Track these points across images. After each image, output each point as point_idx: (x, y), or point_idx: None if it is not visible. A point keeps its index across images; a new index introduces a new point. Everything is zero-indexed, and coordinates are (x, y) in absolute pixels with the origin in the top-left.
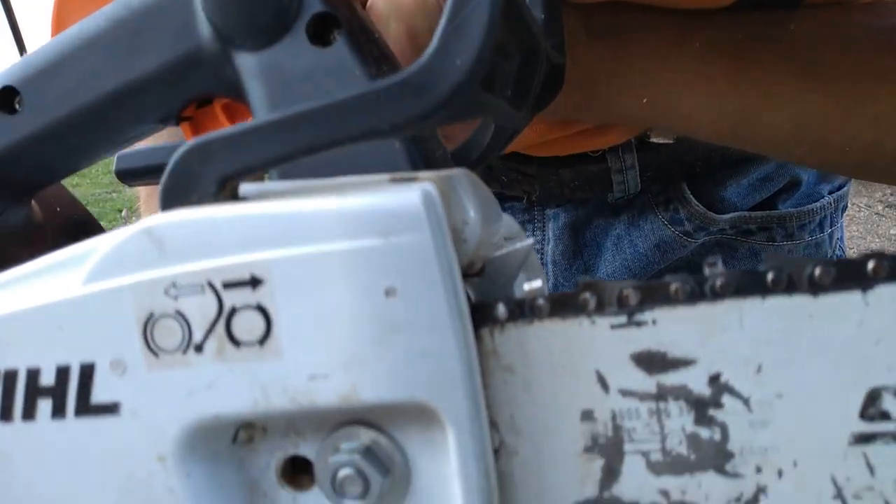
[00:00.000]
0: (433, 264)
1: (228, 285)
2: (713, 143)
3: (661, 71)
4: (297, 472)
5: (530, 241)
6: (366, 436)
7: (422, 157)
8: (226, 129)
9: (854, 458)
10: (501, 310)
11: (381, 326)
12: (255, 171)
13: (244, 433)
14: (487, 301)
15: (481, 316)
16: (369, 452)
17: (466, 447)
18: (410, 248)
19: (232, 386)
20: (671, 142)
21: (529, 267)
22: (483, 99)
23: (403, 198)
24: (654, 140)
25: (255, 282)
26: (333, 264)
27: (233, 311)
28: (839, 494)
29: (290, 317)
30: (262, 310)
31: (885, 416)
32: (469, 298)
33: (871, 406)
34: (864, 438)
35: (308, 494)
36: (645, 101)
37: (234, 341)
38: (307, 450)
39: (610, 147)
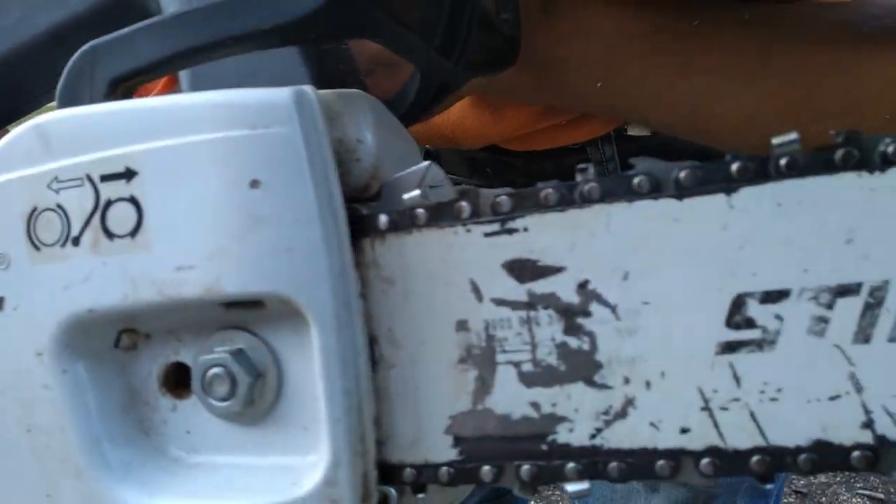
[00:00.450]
0: (301, 158)
1: (105, 178)
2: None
3: (615, 55)
4: (180, 382)
5: (427, 163)
6: (240, 339)
7: (327, 78)
8: (117, 32)
9: (720, 368)
10: (382, 220)
11: (245, 218)
12: (146, 74)
13: (127, 338)
14: (368, 212)
15: (362, 226)
16: (240, 354)
17: (330, 346)
18: (277, 141)
19: (105, 279)
20: (648, 134)
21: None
22: (383, 22)
23: (275, 94)
24: (631, 133)
25: (129, 174)
26: (201, 155)
27: (108, 204)
28: (706, 406)
29: (160, 208)
30: (134, 202)
31: (750, 323)
32: (358, 213)
33: (737, 313)
34: (729, 347)
35: (187, 402)
36: (599, 85)
37: (109, 234)
38: (187, 356)
39: (589, 139)
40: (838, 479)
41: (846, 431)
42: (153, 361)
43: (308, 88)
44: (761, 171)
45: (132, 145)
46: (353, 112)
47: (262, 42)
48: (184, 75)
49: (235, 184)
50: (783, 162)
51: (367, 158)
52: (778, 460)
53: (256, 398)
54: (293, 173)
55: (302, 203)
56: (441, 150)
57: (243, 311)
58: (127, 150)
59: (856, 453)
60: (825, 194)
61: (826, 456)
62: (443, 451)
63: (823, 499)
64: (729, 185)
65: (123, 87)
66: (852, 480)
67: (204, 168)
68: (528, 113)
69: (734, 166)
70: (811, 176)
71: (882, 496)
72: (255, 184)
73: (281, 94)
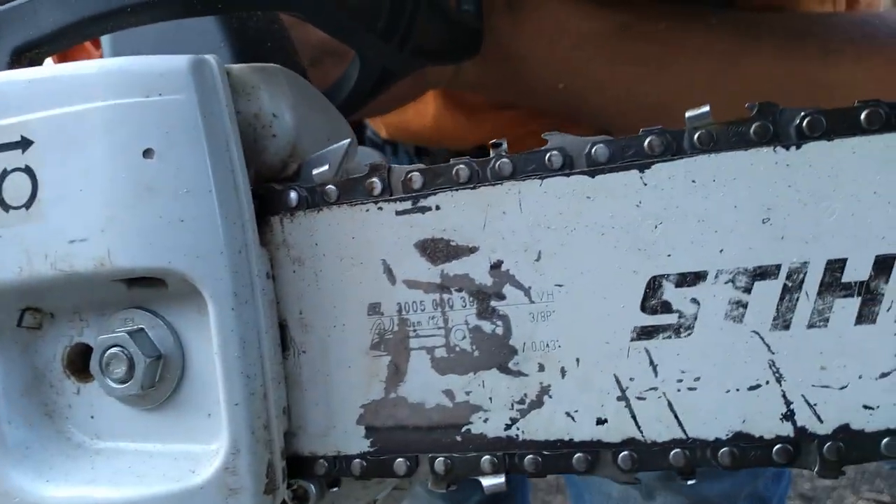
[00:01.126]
0: (196, 126)
1: (1, 147)
2: None
3: (579, 56)
4: (85, 365)
5: (346, 141)
6: (141, 319)
7: (251, 57)
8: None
9: (636, 354)
10: (292, 196)
11: (137, 188)
12: (50, 43)
13: (31, 317)
14: (278, 188)
15: (272, 204)
16: (139, 333)
17: (228, 327)
18: (172, 108)
19: (1, 252)
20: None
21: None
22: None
23: (172, 60)
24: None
25: (24, 143)
26: (95, 123)
27: (4, 174)
28: (623, 395)
29: (55, 178)
30: (29, 172)
31: (666, 307)
32: (270, 190)
33: (652, 297)
34: (645, 333)
35: (91, 385)
36: (561, 86)
37: (4, 205)
38: (90, 337)
39: None
40: (843, 482)
41: (766, 423)
42: (57, 342)
43: (210, 57)
44: (675, 145)
45: (28, 114)
46: (270, 86)
47: (168, 9)
48: (105, 43)
49: (128, 153)
50: (697, 136)
51: (284, 135)
52: (698, 454)
53: (157, 381)
54: (188, 141)
55: (197, 173)
56: (430, 149)
57: (145, 290)
58: (22, 118)
59: (777, 447)
60: (740, 170)
61: (746, 450)
62: (355, 442)
63: (829, 502)
64: (643, 160)
65: (27, 57)
66: (857, 483)
67: (97, 136)
68: (508, 118)
69: (647, 141)
70: (725, 151)
71: (888, 499)
72: (148, 153)
73: (177, 61)
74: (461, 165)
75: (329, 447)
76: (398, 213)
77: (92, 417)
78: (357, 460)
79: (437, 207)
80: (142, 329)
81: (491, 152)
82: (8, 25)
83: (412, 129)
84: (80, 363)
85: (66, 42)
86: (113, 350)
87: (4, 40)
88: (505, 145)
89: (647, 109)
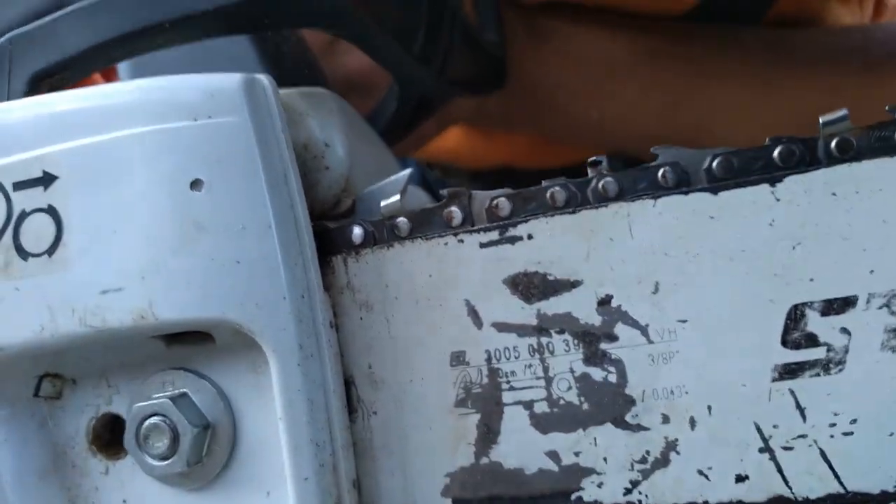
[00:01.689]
0: (252, 152)
1: (19, 185)
2: None
3: (610, 82)
4: (114, 439)
5: (408, 171)
6: (184, 382)
7: (285, 82)
8: (38, 21)
9: (780, 397)
10: (356, 233)
11: (183, 227)
12: (72, 68)
13: (50, 385)
14: (337, 224)
15: (332, 242)
16: (183, 399)
17: (293, 386)
18: (223, 132)
19: (17, 308)
20: None
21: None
22: (350, 13)
23: (222, 80)
24: None
25: (47, 179)
26: (133, 152)
27: (22, 217)
28: (766, 446)
29: (83, 219)
30: (53, 212)
31: (811, 340)
32: (325, 227)
33: (795, 329)
34: (788, 371)
35: (122, 463)
36: (593, 113)
37: (23, 253)
38: (121, 405)
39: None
40: None
41: None
42: (81, 413)
43: (263, 76)
44: (809, 155)
45: (51, 145)
46: (320, 113)
47: (201, 27)
48: (123, 72)
49: (172, 185)
50: (834, 144)
51: (337, 166)
52: None
53: (205, 455)
54: (243, 171)
55: (254, 206)
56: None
57: (188, 348)
58: (45, 150)
59: None
60: (887, 179)
61: None
62: None
63: None
64: (773, 173)
65: (47, 83)
66: None
67: (135, 168)
68: (523, 139)
69: (777, 151)
70: (868, 159)
71: None
72: (196, 184)
73: (228, 80)
74: (556, 188)
75: None
76: (483, 245)
77: (124, 502)
78: None
79: (530, 237)
80: (185, 394)
81: (589, 171)
82: (26, 49)
83: (428, 149)
84: (108, 437)
85: (90, 66)
86: (153, 420)
87: (22, 65)
88: (605, 163)
89: (684, 133)
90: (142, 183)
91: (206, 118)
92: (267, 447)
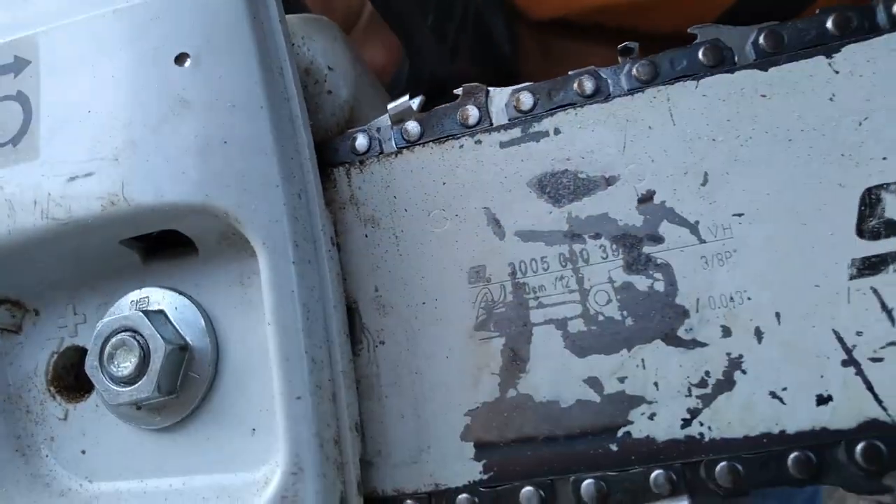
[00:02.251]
0: (242, 24)
1: None
2: None
3: None
4: (79, 379)
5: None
6: (159, 297)
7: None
8: None
9: (861, 297)
10: (360, 141)
11: (165, 103)
12: None
13: (8, 314)
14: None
15: (331, 152)
16: (157, 315)
17: (286, 284)
18: (211, 4)
19: None
20: None
21: None
22: None
23: None
24: None
25: (18, 65)
26: (113, 28)
27: None
28: (850, 358)
29: (55, 102)
30: (22, 99)
31: (892, 227)
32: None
33: (871, 216)
34: (869, 266)
35: (83, 406)
36: None
37: None
38: (87, 337)
39: None
40: None
41: None
42: (41, 349)
43: None
44: (868, 22)
45: (26, 30)
46: (323, 37)
47: None
48: None
49: (155, 59)
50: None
51: (341, 91)
52: None
53: (180, 383)
54: (232, 45)
55: (244, 83)
56: None
57: (166, 263)
58: (18, 36)
59: None
60: None
61: None
62: (461, 468)
63: (830, 502)
64: (829, 43)
65: None
66: None
67: (115, 44)
68: None
69: (830, 20)
70: None
71: (889, 500)
72: (181, 58)
73: None
74: (585, 75)
75: (423, 479)
76: (503, 144)
77: (83, 452)
78: (465, 496)
79: (557, 131)
80: (161, 310)
81: (619, 59)
82: None
83: None
84: (70, 377)
85: None
86: (120, 336)
87: None
88: (637, 49)
89: None
90: (122, 59)
91: None
92: (254, 374)
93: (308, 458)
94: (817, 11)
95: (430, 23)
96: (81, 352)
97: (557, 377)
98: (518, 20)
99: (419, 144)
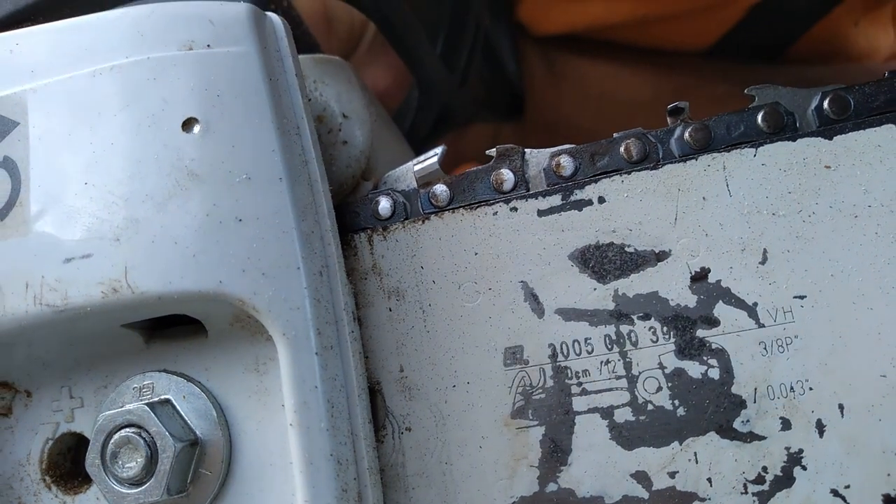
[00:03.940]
0: (258, 86)
1: None
2: None
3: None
4: (76, 468)
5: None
6: (165, 385)
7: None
8: None
9: None
10: (383, 204)
11: (171, 175)
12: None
13: None
14: (360, 195)
15: (352, 216)
16: (164, 407)
17: (307, 378)
18: (224, 63)
19: None
20: None
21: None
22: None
23: (222, 6)
24: None
25: (5, 125)
26: (112, 87)
27: None
28: None
29: (47, 169)
30: (9, 165)
31: None
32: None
33: None
34: None
35: (84, 498)
36: None
37: None
38: (85, 423)
39: None
40: None
41: None
42: (35, 434)
43: (274, 16)
44: None
45: (13, 87)
46: (337, 81)
47: None
48: None
49: (160, 126)
50: None
51: (357, 142)
52: None
53: (190, 481)
54: (248, 109)
55: (261, 152)
56: None
57: (172, 345)
58: (4, 93)
59: None
60: None
61: None
62: None
63: None
64: None
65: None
66: None
67: (115, 106)
68: None
69: None
70: None
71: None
72: (188, 124)
73: (232, 6)
74: (632, 139)
75: None
76: (542, 212)
77: None
78: None
79: (602, 200)
80: (167, 400)
81: (669, 121)
82: None
83: None
84: (67, 466)
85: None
86: (124, 433)
87: None
88: (688, 109)
89: None
90: (122, 124)
91: (203, 47)
92: (272, 471)
93: None
94: (886, 74)
95: (440, 51)
96: (79, 438)
97: (602, 471)
98: (523, 36)
99: (448, 210)
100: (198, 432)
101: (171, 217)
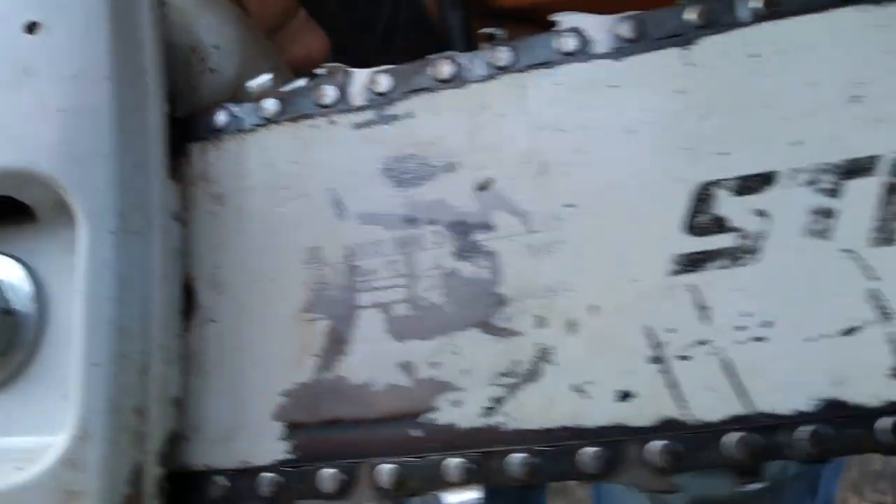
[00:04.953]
0: None
1: None
2: None
3: None
4: None
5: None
6: None
7: None
8: None
9: (678, 295)
10: (220, 118)
11: (10, 70)
12: None
13: None
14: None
15: (192, 128)
16: None
17: (100, 253)
18: None
19: None
20: None
21: None
22: None
23: None
24: None
25: None
26: None
27: None
28: (658, 355)
29: None
30: None
31: (720, 224)
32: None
33: (702, 211)
34: (692, 262)
35: None
36: None
37: None
38: None
39: None
40: (845, 483)
41: (869, 384)
42: None
43: None
44: (728, 14)
45: None
46: (211, 14)
47: None
48: None
49: (6, 27)
50: (756, 2)
51: (225, 70)
52: (770, 439)
53: (4, 348)
54: (87, 14)
55: (90, 53)
56: None
57: (5, 227)
58: None
59: (885, 420)
60: (817, 37)
61: (843, 429)
62: (268, 447)
63: None
64: (685, 35)
65: None
66: (860, 485)
67: None
68: None
69: (689, 11)
70: (795, 16)
71: (892, 500)
72: (32, 27)
73: None
74: (443, 59)
75: (233, 456)
76: (357, 125)
77: None
78: (268, 474)
79: (410, 115)
80: None
81: (480, 45)
82: None
83: None
84: None
85: None
86: None
87: None
88: (502, 32)
89: None
90: None
91: None
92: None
93: (97, 424)
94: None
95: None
96: None
97: (374, 360)
98: (476, 11)
99: (275, 122)
100: (14, 303)
101: (4, 103)
